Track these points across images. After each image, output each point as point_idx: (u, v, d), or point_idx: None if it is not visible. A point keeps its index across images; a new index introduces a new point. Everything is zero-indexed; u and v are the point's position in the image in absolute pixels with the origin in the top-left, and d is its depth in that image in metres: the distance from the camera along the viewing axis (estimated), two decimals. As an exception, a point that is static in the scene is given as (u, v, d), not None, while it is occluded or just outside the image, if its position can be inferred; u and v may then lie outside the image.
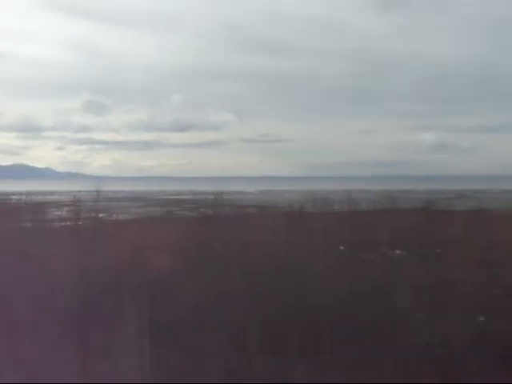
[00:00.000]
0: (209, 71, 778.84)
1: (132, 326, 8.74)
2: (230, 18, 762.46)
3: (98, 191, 20.49)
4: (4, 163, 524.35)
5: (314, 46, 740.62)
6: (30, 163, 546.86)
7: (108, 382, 8.38)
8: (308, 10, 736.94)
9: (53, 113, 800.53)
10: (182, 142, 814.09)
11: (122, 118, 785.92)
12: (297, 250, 11.23)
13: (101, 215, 21.35)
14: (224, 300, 9.02)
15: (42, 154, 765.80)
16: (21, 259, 10.45)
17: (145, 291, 9.10)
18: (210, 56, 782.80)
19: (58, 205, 29.12)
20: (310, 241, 12.73)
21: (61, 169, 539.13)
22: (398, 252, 14.36)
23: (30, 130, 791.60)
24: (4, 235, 12.25)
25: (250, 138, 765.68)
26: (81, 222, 16.29)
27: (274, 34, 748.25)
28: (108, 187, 31.00)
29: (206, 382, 8.16)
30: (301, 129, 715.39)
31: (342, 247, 13.63)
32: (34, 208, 22.74)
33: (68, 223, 17.56)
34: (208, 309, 8.84)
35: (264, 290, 9.33)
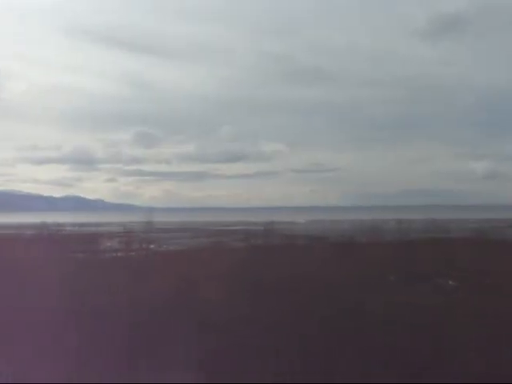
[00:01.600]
0: (258, 102, 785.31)
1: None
2: (278, 49, 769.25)
3: (148, 222, 20.83)
4: (58, 195, 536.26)
5: (363, 75, 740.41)
6: (82, 195, 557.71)
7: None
8: (355, 39, 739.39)
9: (105, 145, 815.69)
10: (232, 173, 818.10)
11: (173, 149, 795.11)
12: (347, 282, 11.16)
13: (152, 246, 21.67)
14: (288, 329, 8.99)
15: (94, 186, 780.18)
16: (72, 290, 10.61)
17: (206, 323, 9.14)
18: (259, 87, 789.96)
19: (110, 236, 29.62)
20: (360, 271, 12.64)
21: (112, 200, 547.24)
22: (451, 283, 14.11)
23: (82, 162, 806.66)
24: (59, 266, 12.49)
25: (300, 168, 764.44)
26: (133, 253, 16.56)
27: (322, 64, 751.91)
28: (158, 218, 31.47)
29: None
30: (350, 158, 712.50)
31: (392, 277, 13.47)
32: (87, 239, 23.19)
33: (120, 254, 17.85)
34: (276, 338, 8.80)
35: (318, 323, 9.28)
